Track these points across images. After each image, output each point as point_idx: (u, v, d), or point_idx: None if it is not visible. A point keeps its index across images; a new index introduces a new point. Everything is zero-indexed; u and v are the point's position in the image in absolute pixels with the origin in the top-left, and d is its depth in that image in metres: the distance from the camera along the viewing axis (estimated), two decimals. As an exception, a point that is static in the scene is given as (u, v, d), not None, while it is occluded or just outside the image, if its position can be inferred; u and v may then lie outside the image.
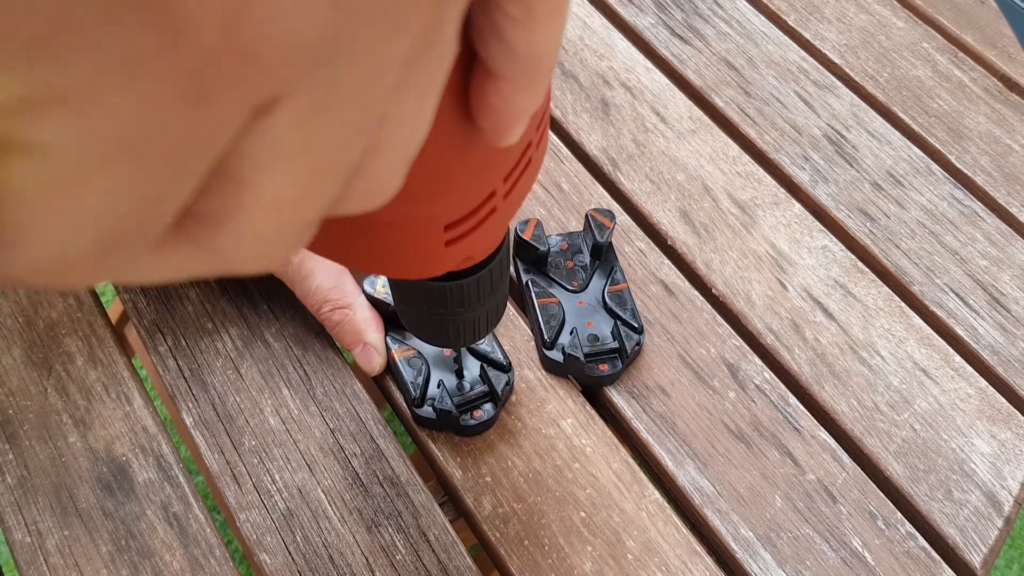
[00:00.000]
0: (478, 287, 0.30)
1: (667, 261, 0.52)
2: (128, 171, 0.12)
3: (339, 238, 0.23)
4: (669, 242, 0.53)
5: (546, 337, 0.46)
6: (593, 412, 0.46)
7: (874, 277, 0.52)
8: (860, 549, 0.43)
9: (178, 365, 0.46)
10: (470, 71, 0.19)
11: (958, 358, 0.49)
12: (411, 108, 0.15)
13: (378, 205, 0.16)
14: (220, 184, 0.13)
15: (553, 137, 0.57)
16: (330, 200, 0.15)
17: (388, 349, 0.45)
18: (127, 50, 0.11)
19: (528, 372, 0.47)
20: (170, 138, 0.12)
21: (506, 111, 0.19)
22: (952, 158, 0.58)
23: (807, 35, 0.65)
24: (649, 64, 0.61)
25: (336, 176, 0.14)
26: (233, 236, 0.14)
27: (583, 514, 0.43)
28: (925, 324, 0.50)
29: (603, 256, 0.49)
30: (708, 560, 0.42)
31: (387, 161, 0.15)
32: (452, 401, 0.43)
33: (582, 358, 0.45)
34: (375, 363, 0.45)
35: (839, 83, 0.61)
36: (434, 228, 0.22)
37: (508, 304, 0.48)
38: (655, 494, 0.44)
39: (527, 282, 0.48)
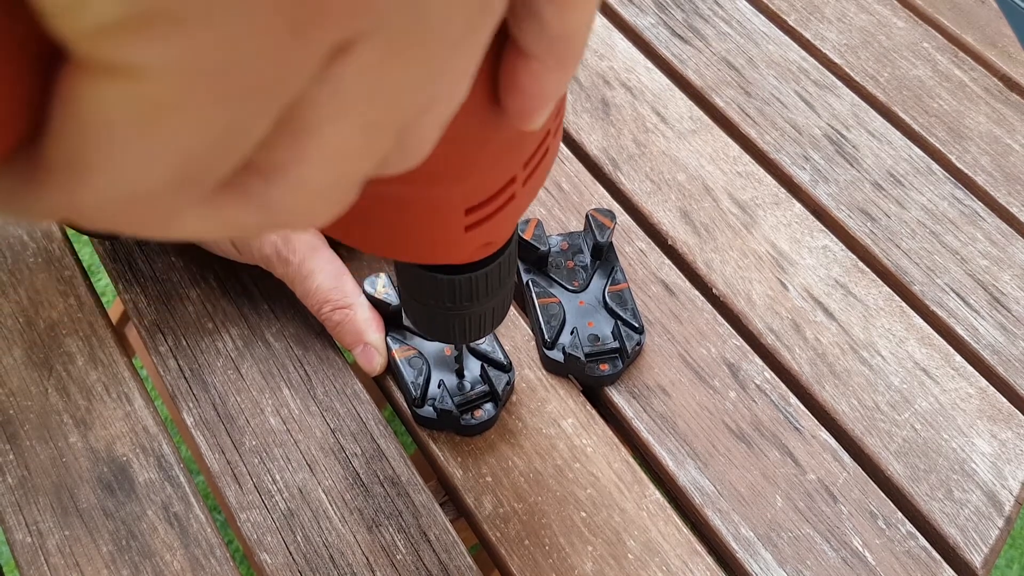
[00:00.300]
0: (486, 281, 0.30)
1: (667, 261, 0.52)
2: (217, 101, 0.12)
3: (360, 220, 0.23)
4: (669, 242, 0.53)
5: (547, 337, 0.46)
6: (594, 412, 0.46)
7: (875, 277, 0.52)
8: (861, 549, 0.43)
9: (179, 365, 0.46)
10: (501, 52, 0.19)
11: (958, 358, 0.49)
12: (461, 67, 0.15)
13: (409, 168, 0.17)
14: (284, 133, 0.13)
15: (553, 137, 0.57)
16: (381, 157, 0.15)
17: (389, 349, 0.45)
18: None
19: (529, 372, 0.47)
20: (263, 66, 0.12)
21: (534, 92, 0.19)
22: (952, 158, 0.58)
23: (807, 35, 0.65)
24: (649, 64, 0.61)
25: (391, 131, 0.15)
26: (287, 188, 0.14)
27: (584, 514, 0.43)
28: (926, 324, 0.50)
29: (603, 256, 0.49)
30: (709, 560, 0.42)
31: (429, 122, 0.16)
32: (453, 401, 0.43)
33: (583, 358, 0.45)
34: (376, 363, 0.45)
35: (839, 83, 0.61)
36: (456, 211, 0.23)
37: (509, 304, 0.48)
38: (656, 494, 0.44)
39: (528, 282, 0.48)
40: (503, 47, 0.19)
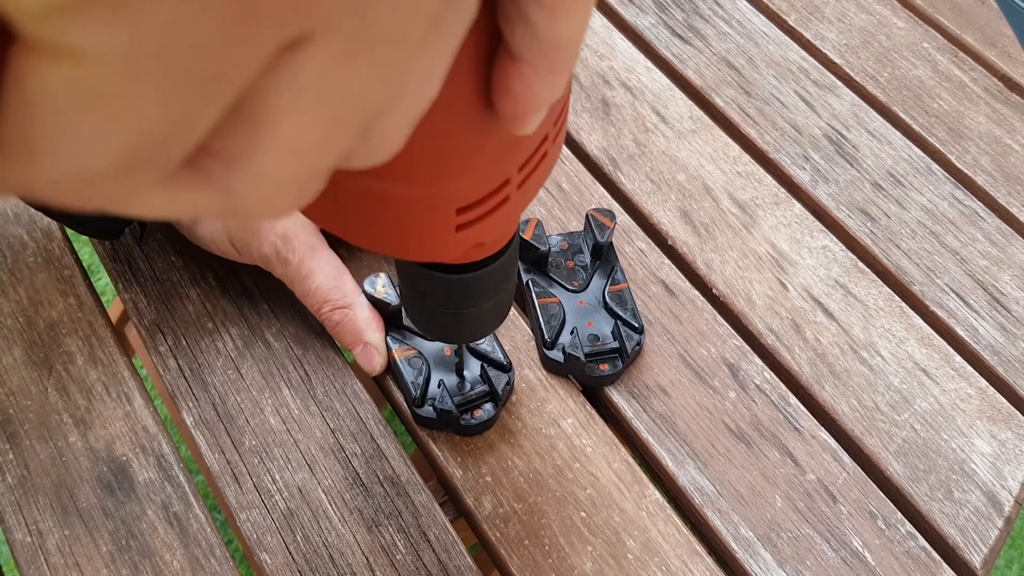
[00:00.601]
0: (481, 283, 0.30)
1: (667, 261, 0.52)
2: (161, 88, 0.12)
3: (354, 216, 0.23)
4: (669, 242, 0.53)
5: (546, 337, 0.46)
6: (593, 412, 0.46)
7: (874, 277, 0.52)
8: (860, 549, 0.43)
9: (178, 365, 0.46)
10: (494, 53, 0.19)
11: (958, 358, 0.49)
12: (426, 69, 0.15)
13: (378, 162, 0.17)
14: (241, 122, 0.13)
15: (553, 137, 0.57)
16: (344, 151, 0.15)
17: (388, 349, 0.45)
18: None
19: (528, 372, 0.47)
20: (206, 57, 0.12)
21: (526, 97, 0.19)
22: (952, 158, 0.58)
23: (807, 35, 0.65)
24: (649, 64, 0.61)
25: (353, 127, 0.15)
26: (246, 177, 0.14)
27: (583, 514, 0.43)
28: (925, 324, 0.50)
29: (603, 256, 0.49)
30: (708, 560, 0.42)
31: (395, 119, 0.16)
32: (453, 401, 0.43)
33: (583, 358, 0.45)
34: (375, 363, 0.45)
35: (839, 83, 0.61)
36: (447, 210, 0.23)
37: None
38: (655, 494, 0.44)
39: (528, 282, 0.48)
40: (496, 49, 0.19)
